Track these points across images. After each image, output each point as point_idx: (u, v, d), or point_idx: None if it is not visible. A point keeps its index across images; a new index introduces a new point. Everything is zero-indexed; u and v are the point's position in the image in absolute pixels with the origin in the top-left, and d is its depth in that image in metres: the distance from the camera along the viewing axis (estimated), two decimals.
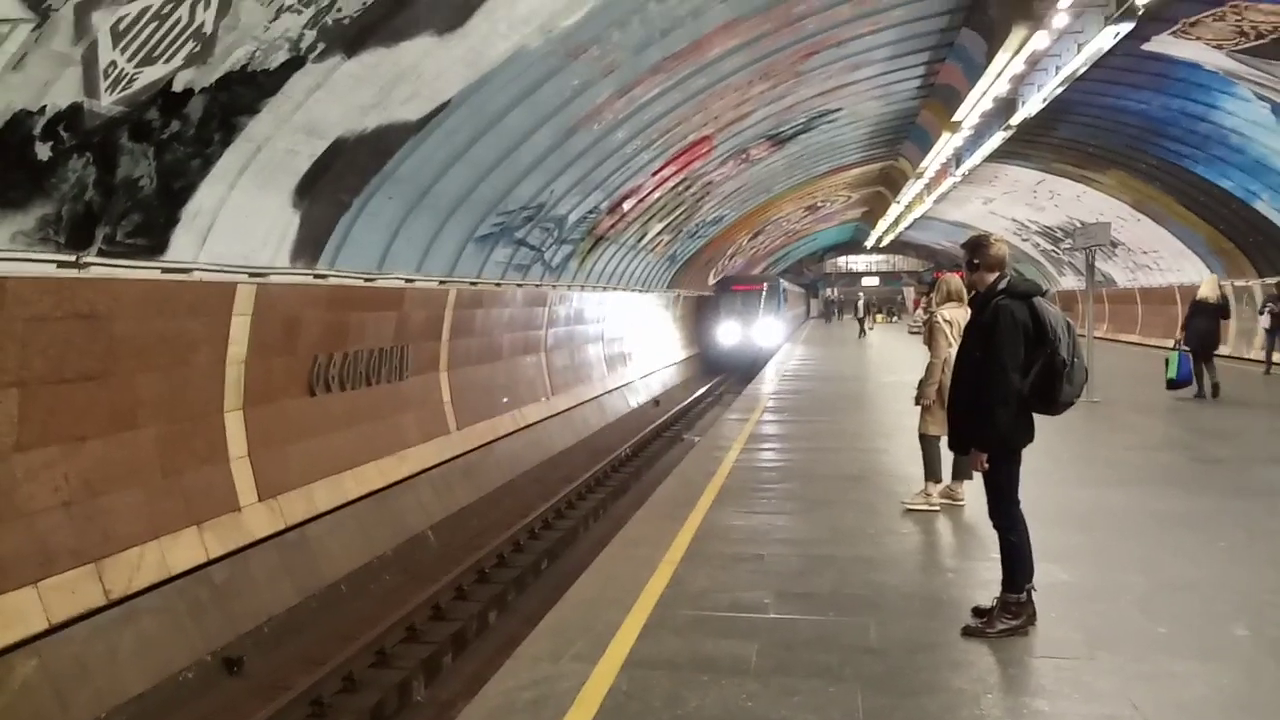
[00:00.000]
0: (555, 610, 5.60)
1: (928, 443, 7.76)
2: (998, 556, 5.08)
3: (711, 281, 40.29)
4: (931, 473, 7.72)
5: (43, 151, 6.51)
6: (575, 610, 5.54)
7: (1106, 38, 12.30)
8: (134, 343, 8.30)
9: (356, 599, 10.48)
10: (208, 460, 9.37)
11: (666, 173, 19.39)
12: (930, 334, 7.74)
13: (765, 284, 39.77)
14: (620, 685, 4.40)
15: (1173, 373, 14.17)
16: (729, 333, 37.94)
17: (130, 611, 7.88)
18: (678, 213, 23.82)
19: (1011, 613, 4.85)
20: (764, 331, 37.18)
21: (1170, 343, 15.42)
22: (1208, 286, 14.88)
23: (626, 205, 19.66)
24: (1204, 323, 14.31)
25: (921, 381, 7.75)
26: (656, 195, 20.67)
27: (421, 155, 10.93)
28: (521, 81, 11.18)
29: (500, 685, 4.50)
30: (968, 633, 4.86)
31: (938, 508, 7.58)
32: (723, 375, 35.47)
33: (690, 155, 19.33)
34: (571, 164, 14.96)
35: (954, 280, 7.97)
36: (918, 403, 7.82)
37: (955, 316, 7.60)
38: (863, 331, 39.62)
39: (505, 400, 17.64)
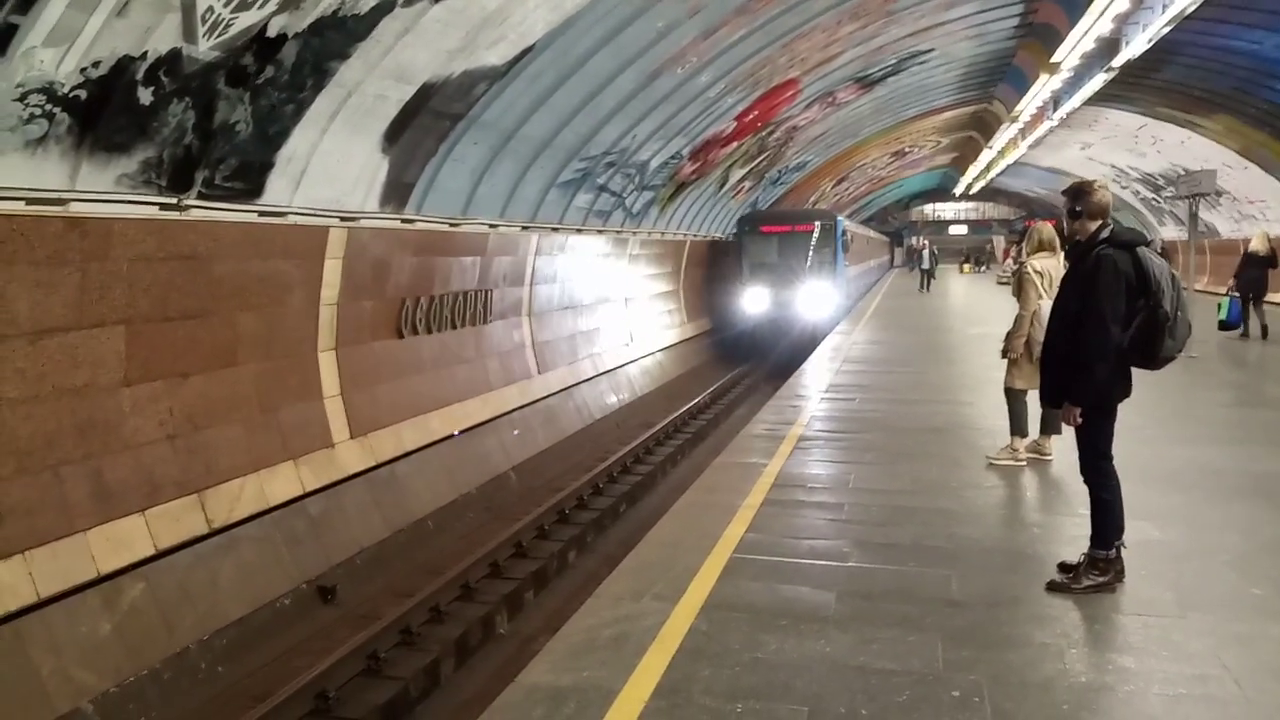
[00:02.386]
0: (636, 551, 5.70)
1: (1014, 396, 7.61)
2: (1084, 512, 4.99)
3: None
4: (1017, 427, 7.58)
5: (145, 96, 6.71)
6: (655, 552, 5.63)
7: None
8: (232, 283, 8.59)
9: (442, 535, 10.80)
10: (303, 398, 9.69)
11: (750, 117, 19.08)
12: (1020, 285, 7.54)
13: (816, 222, 25.27)
14: (699, 626, 4.47)
15: (1223, 315, 15.79)
16: (757, 299, 24.55)
17: (231, 540, 8.26)
18: (760, 159, 23.47)
19: (1099, 569, 4.77)
20: (816, 297, 24.24)
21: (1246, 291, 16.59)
22: (1258, 240, 16.54)
23: (709, 151, 19.44)
24: (1254, 272, 16.07)
25: (1009, 334, 7.58)
26: (739, 140, 20.39)
27: (506, 100, 10.95)
28: (606, 24, 11.08)
29: (582, 622, 4.61)
30: (1053, 588, 4.81)
31: (1023, 462, 7.45)
32: (745, 366, 24.17)
33: (775, 99, 18.96)
34: (654, 108, 14.82)
35: (1046, 229, 7.73)
36: (1004, 355, 7.66)
37: (1046, 267, 7.39)
38: (924, 285, 33.80)
39: (586, 345, 17.79)
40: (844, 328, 19.93)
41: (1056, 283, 7.11)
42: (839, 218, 26.10)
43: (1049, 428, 7.50)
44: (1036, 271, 7.40)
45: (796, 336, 23.16)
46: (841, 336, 18.20)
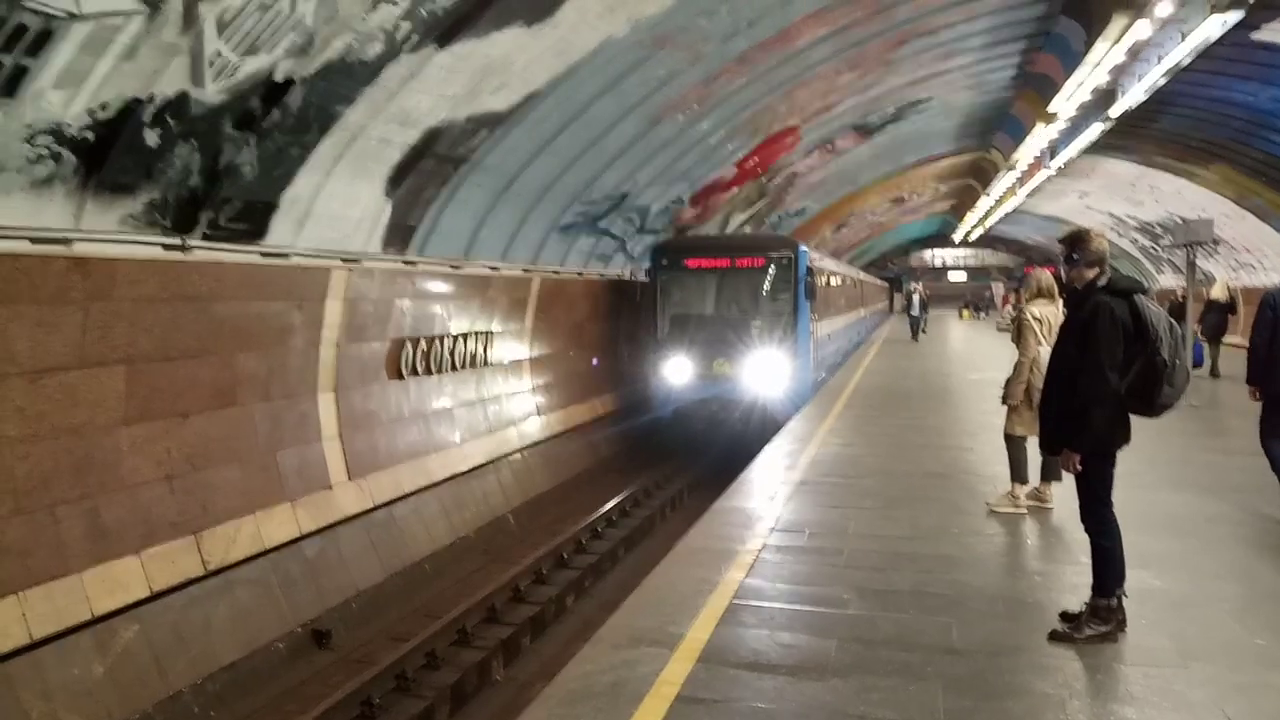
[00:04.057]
0: (633, 597, 5.65)
1: (1014, 443, 7.59)
2: (1086, 560, 4.97)
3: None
4: (1018, 474, 7.55)
5: (151, 138, 6.80)
6: (653, 598, 5.58)
7: (1213, 26, 11.78)
8: (234, 324, 8.61)
9: (439, 578, 10.72)
10: (301, 439, 9.67)
11: (750, 163, 19.27)
12: (1019, 331, 7.56)
13: (770, 254, 17.10)
14: (697, 674, 4.42)
15: None
16: (679, 370, 16.62)
17: (226, 582, 8.20)
18: (760, 204, 23.66)
19: (1101, 618, 4.73)
20: (768, 368, 16.29)
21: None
22: (1218, 288, 18.37)
23: (709, 196, 19.61)
24: (1215, 317, 17.66)
25: (1009, 380, 7.58)
26: (740, 186, 20.57)
27: (509, 145, 11.08)
28: (608, 71, 11.25)
29: (579, 668, 4.56)
30: (1055, 637, 4.76)
31: (1024, 510, 7.42)
32: (643, 480, 15.24)
33: (775, 145, 19.17)
34: (656, 154, 14.99)
35: (1045, 276, 7.79)
36: (1005, 402, 7.66)
37: (1045, 314, 7.43)
38: (916, 334, 30.47)
39: (586, 387, 17.75)
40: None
41: (1055, 329, 7.17)
42: (802, 247, 17.22)
43: (1049, 474, 7.48)
44: (1035, 318, 7.43)
45: (739, 432, 15.57)
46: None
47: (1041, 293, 7.62)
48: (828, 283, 20.40)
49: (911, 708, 4.05)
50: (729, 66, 13.25)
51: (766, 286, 16.95)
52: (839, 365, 21.82)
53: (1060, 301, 7.33)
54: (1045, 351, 7.02)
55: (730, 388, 16.21)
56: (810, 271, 16.89)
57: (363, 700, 7.42)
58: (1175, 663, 4.49)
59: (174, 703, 7.24)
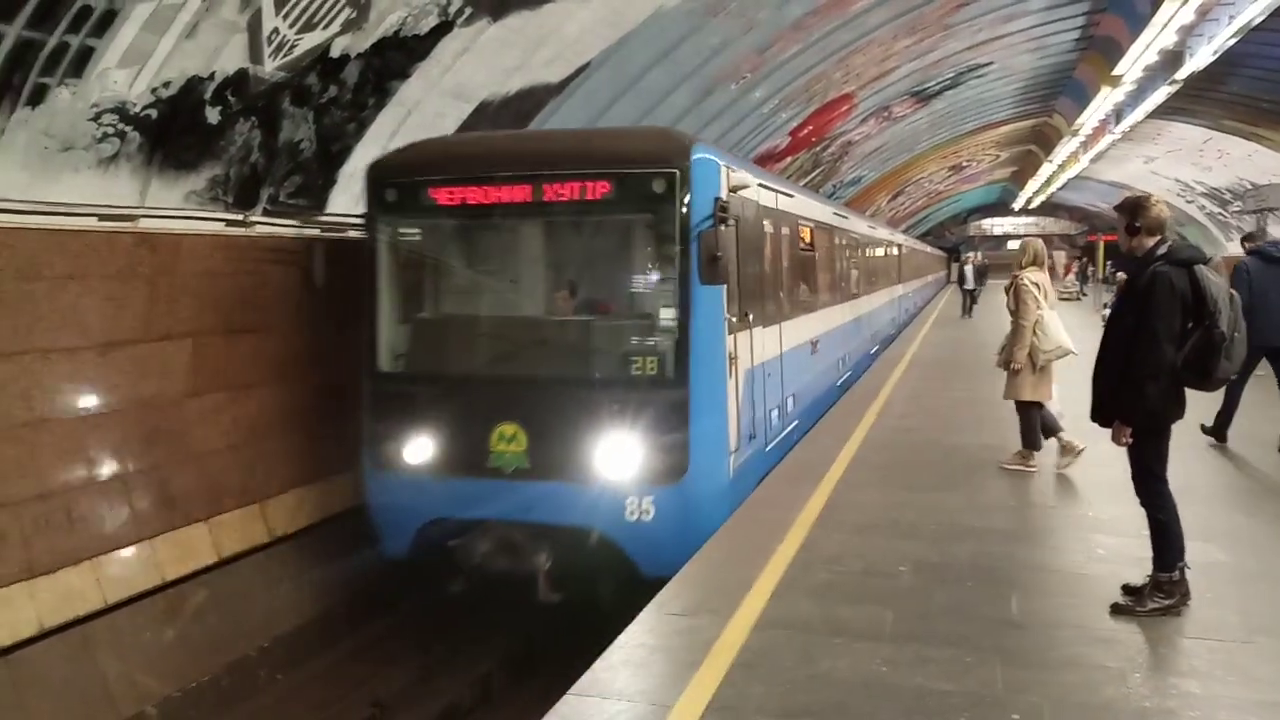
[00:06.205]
0: (689, 566, 5.68)
1: (1025, 408, 7.78)
2: (1147, 534, 4.89)
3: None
4: (1030, 441, 7.79)
5: (212, 115, 6.92)
6: (708, 567, 5.61)
7: None
8: (295, 297, 8.75)
9: None
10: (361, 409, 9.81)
11: (805, 132, 19.04)
12: (1017, 296, 7.63)
13: (628, 175, 6.40)
14: (752, 642, 4.45)
15: None
16: (421, 449, 6.95)
17: (292, 549, 8.39)
18: (815, 174, 23.40)
19: (1164, 591, 4.67)
20: (633, 446, 6.36)
21: None
22: None
23: (762, 166, 19.44)
24: None
25: (1009, 345, 7.69)
26: (794, 155, 20.34)
27: (562, 116, 11.07)
28: (660, 41, 11.17)
29: (634, 636, 4.62)
30: (1117, 610, 4.71)
31: (1034, 468, 7.68)
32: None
33: (829, 114, 18.92)
34: (708, 124, 14.87)
35: (1038, 244, 8.09)
36: (1007, 366, 7.72)
37: (1040, 280, 7.66)
38: (967, 308, 27.74)
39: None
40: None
41: (1052, 295, 7.56)
42: (700, 153, 6.64)
43: (1030, 442, 7.77)
44: (1033, 282, 7.59)
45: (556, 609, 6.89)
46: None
47: (1036, 260, 7.82)
48: (794, 238, 10.15)
49: (968, 679, 4.03)
50: (783, 33, 13.08)
51: (618, 247, 7.71)
52: (825, 406, 11.35)
53: (1047, 272, 7.90)
54: (1046, 314, 7.17)
55: (531, 495, 6.67)
56: (725, 211, 6.71)
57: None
58: (1240, 637, 4.42)
59: (241, 665, 7.46)
